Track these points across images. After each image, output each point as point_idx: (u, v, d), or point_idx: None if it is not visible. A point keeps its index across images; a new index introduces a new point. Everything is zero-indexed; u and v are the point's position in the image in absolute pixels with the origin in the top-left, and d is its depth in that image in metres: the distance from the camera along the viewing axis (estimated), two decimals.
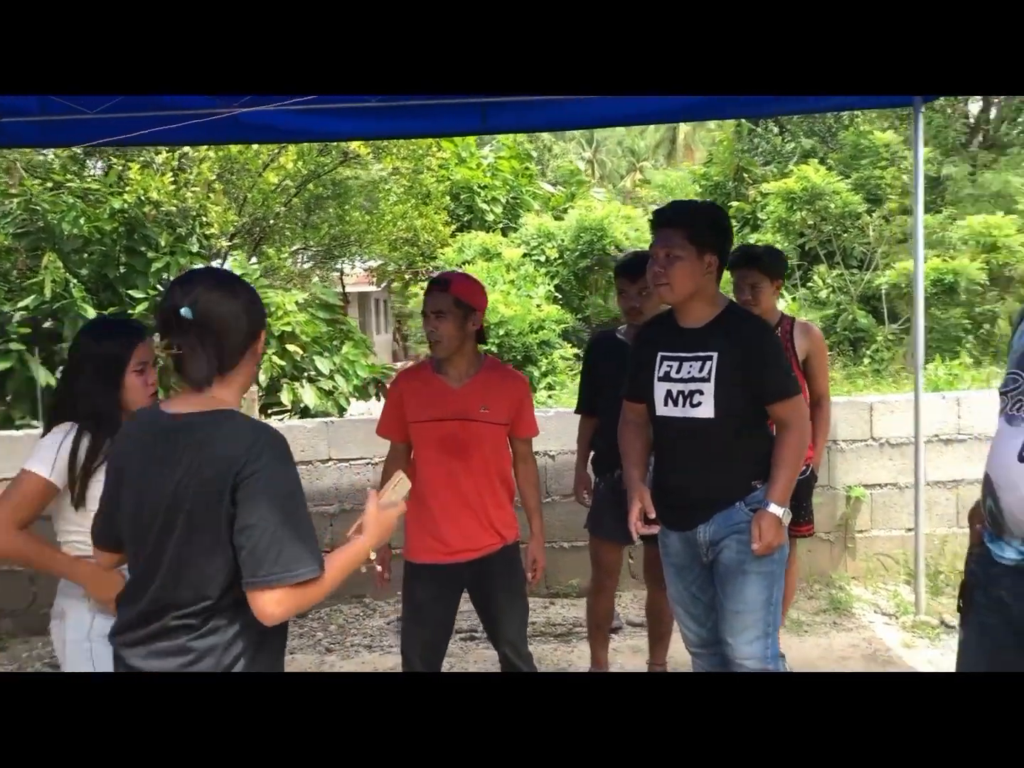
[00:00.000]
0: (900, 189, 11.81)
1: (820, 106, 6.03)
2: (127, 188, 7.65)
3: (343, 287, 16.81)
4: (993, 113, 15.01)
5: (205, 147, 8.79)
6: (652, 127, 28.31)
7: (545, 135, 19.74)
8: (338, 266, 15.66)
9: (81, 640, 2.08)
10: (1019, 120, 15.10)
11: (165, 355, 1.72)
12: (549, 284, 12.45)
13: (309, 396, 7.40)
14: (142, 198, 7.60)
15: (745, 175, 14.36)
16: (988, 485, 1.96)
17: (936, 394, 4.86)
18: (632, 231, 12.70)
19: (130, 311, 7.05)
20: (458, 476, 2.72)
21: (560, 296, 12.56)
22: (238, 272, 6.14)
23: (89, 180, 8.04)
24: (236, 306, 1.67)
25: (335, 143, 10.30)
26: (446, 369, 2.76)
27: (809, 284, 12.57)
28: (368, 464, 4.57)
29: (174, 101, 3.71)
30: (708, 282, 2.54)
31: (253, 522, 1.56)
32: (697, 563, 2.63)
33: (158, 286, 7.30)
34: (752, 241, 11.23)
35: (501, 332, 11.19)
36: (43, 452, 2.11)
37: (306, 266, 13.99)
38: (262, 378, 7.04)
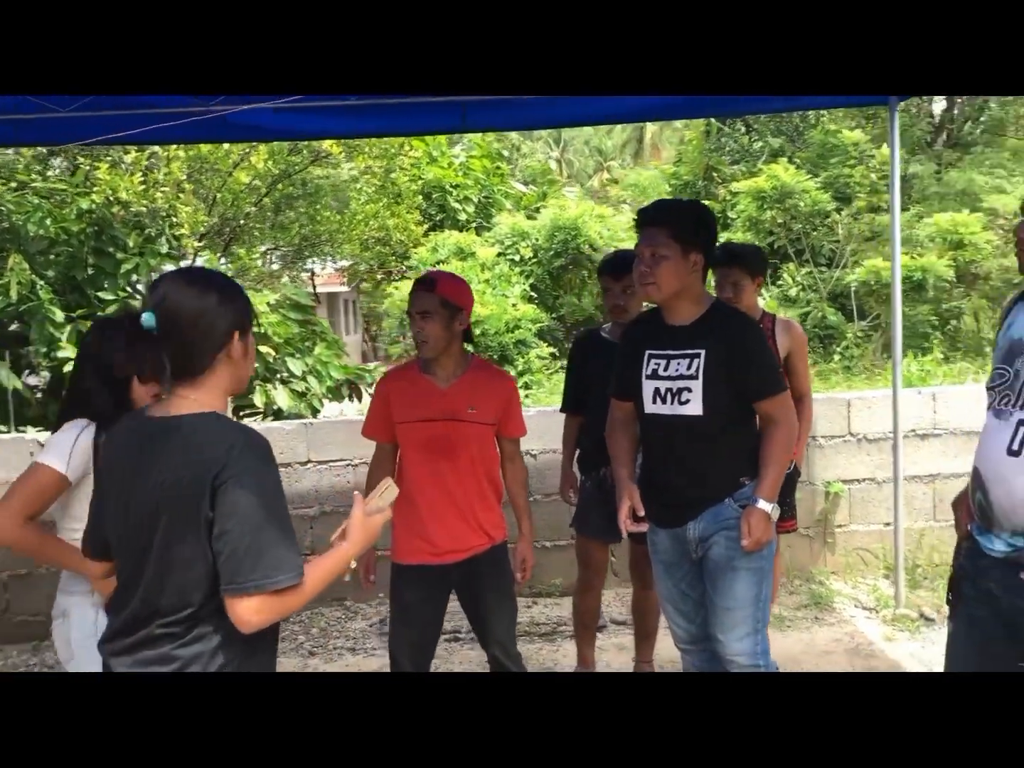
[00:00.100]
0: (868, 187, 11.96)
1: (796, 104, 6.08)
2: (95, 188, 7.51)
3: (314, 287, 16.69)
4: (956, 112, 15.26)
5: (175, 146, 8.66)
6: (619, 126, 28.40)
7: (513, 134, 19.71)
8: (308, 266, 15.53)
9: (87, 637, 2.06)
10: (982, 120, 15.36)
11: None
12: (524, 283, 12.45)
13: (282, 398, 7.32)
14: (110, 198, 7.47)
15: (715, 174, 14.46)
16: (977, 479, 1.98)
17: (912, 390, 4.93)
18: (605, 230, 12.73)
19: (99, 313, 6.93)
20: (445, 476, 2.70)
21: (535, 295, 12.57)
22: None
23: (55, 180, 7.90)
24: (203, 305, 1.62)
25: (307, 142, 10.20)
26: (433, 369, 2.74)
27: (779, 282, 12.69)
28: (348, 466, 4.54)
29: (148, 99, 3.65)
30: (694, 280, 2.55)
31: (230, 527, 1.53)
32: (686, 560, 2.63)
33: (127, 288, 7.18)
34: (722, 240, 11.28)
35: (477, 332, 11.18)
36: (58, 447, 2.12)
37: (275, 267, 13.85)
38: None
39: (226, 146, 9.58)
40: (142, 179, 8.10)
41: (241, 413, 7.33)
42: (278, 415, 7.26)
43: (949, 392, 4.80)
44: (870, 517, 4.70)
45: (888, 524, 4.56)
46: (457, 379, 2.74)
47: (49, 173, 8.64)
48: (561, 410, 3.51)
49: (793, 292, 12.25)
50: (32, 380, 7.00)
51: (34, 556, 2.26)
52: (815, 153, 13.25)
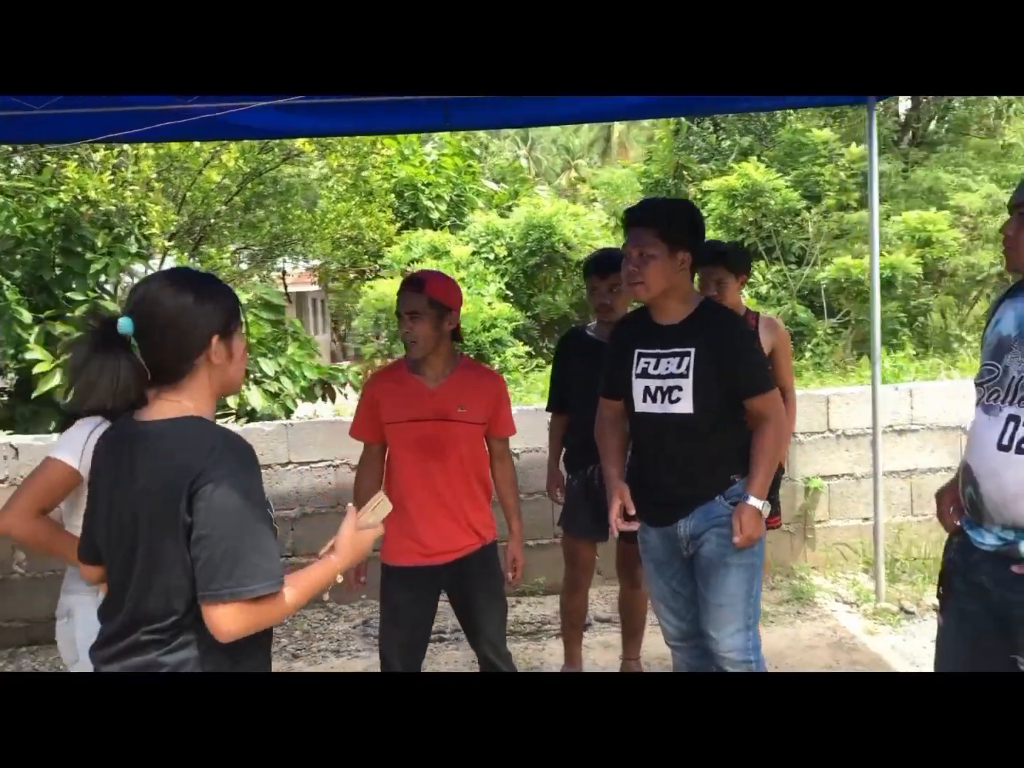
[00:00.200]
0: (838, 186, 12.08)
1: (774, 104, 6.13)
2: (62, 187, 7.37)
3: (285, 287, 16.54)
4: (922, 111, 15.49)
5: (144, 144, 8.53)
6: (587, 125, 28.46)
7: (481, 132, 19.65)
8: (279, 265, 15.38)
9: (92, 638, 2.02)
10: (946, 119, 15.60)
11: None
12: (499, 282, 12.41)
13: (256, 398, 7.23)
14: (78, 197, 7.34)
15: (685, 172, 14.52)
16: (968, 474, 2.01)
17: (889, 386, 4.98)
18: (579, 229, 12.73)
19: (68, 314, 6.81)
20: (435, 477, 2.69)
21: (510, 294, 12.54)
22: None
23: (20, 179, 7.74)
24: (179, 306, 1.58)
25: (278, 140, 10.09)
26: (422, 369, 2.72)
27: (750, 280, 12.78)
28: (329, 467, 4.50)
29: (122, 97, 3.58)
30: (682, 279, 2.56)
31: (207, 532, 1.50)
32: (677, 558, 2.64)
33: (96, 288, 7.06)
34: None
35: None
36: (71, 442, 2.11)
37: (243, 266, 13.70)
38: None
39: (196, 144, 9.44)
40: (111, 177, 7.96)
41: (215, 414, 7.24)
42: (252, 416, 7.18)
43: (925, 388, 4.87)
44: (849, 512, 4.75)
45: (867, 519, 4.61)
46: (446, 379, 2.73)
47: (14, 171, 8.47)
48: (547, 409, 3.51)
49: (764, 290, 12.33)
50: None
51: (44, 551, 2.25)
52: (783, 152, 13.36)
